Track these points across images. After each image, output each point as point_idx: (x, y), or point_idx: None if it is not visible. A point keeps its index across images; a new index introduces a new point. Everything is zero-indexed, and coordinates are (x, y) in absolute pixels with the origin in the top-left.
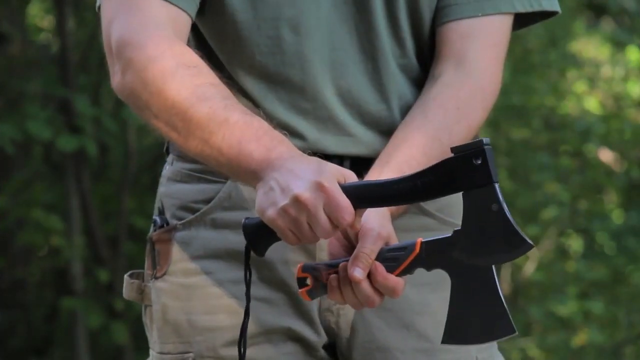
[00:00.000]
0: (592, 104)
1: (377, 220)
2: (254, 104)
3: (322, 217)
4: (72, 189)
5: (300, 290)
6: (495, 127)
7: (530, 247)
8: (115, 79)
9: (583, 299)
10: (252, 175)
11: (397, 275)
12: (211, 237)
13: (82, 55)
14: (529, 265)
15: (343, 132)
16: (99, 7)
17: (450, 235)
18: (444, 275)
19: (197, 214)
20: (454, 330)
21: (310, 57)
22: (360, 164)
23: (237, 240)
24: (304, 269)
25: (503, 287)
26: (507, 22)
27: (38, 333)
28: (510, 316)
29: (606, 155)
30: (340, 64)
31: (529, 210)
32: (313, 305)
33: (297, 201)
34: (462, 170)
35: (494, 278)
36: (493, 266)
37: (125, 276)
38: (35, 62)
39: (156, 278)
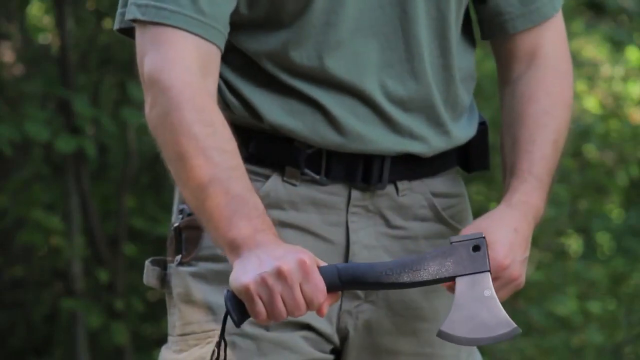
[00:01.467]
0: (592, 103)
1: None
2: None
3: (298, 292)
4: (71, 189)
5: None
6: (496, 127)
7: (517, 331)
8: (146, 110)
9: (583, 299)
10: (234, 248)
11: None
12: None
13: (82, 55)
14: (529, 265)
15: (396, 130)
16: (119, 30)
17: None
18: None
19: None
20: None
21: (362, 58)
22: (408, 161)
23: None
24: None
25: None
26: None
27: (38, 333)
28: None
29: (606, 155)
30: (388, 65)
31: None
32: (334, 307)
33: (278, 271)
34: (460, 256)
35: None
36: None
37: (147, 262)
38: (35, 62)
39: (181, 264)
